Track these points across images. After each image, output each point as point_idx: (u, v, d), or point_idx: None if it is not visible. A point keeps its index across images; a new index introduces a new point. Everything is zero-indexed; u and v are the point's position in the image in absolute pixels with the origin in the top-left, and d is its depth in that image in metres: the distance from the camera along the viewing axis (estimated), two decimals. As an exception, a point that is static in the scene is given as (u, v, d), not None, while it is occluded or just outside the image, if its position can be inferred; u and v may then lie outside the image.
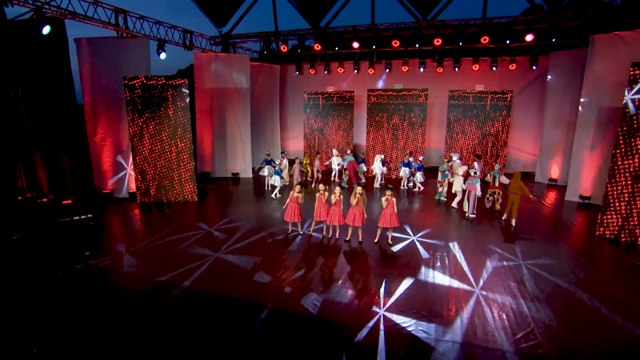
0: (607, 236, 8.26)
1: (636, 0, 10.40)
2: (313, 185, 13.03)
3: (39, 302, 5.61)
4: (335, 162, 13.71)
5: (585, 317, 5.20)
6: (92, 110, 11.32)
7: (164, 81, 10.70)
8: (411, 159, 12.72)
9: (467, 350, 4.49)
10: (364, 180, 13.37)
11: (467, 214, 9.76)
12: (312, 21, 15.22)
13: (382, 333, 4.80)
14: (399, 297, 5.73)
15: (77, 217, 9.27)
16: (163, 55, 12.29)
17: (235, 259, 7.12)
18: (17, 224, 8.42)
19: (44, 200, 10.43)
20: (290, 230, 8.49)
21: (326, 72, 17.41)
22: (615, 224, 8.19)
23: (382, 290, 5.92)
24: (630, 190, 7.97)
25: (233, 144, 15.18)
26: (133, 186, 11.69)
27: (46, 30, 8.55)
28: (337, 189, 7.75)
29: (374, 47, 13.61)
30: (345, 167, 12.94)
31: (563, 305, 5.53)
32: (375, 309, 5.41)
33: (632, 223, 7.97)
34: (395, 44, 13.40)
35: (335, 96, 16.32)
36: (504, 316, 5.20)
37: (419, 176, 12.38)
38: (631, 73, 7.86)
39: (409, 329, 4.90)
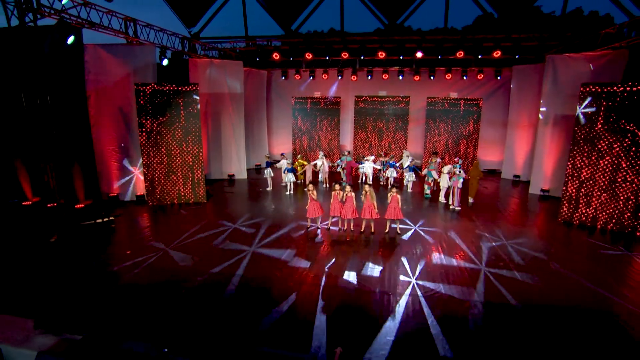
0: (566, 220, 10.20)
1: (572, 16, 12.59)
2: (326, 185, 14.19)
3: (116, 299, 6.21)
4: (320, 164, 14.49)
5: (559, 279, 6.83)
6: (97, 115, 11.50)
7: (175, 87, 11.21)
8: (391, 161, 14.13)
9: (482, 307, 5.88)
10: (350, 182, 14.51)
11: (452, 207, 11.36)
12: (283, 23, 15.71)
13: (411, 298, 6.05)
14: (421, 270, 7.05)
15: (100, 220, 9.64)
16: (165, 62, 12.68)
17: (270, 252, 8.05)
18: (48, 228, 8.66)
19: (54, 204, 10.52)
20: (309, 225, 9.51)
21: (311, 78, 18.39)
22: (572, 211, 10.14)
23: (406, 266, 7.21)
24: (584, 184, 9.92)
25: (228, 146, 15.79)
26: (140, 189, 12.03)
27: (71, 39, 8.80)
28: (348, 188, 8.93)
29: (362, 57, 14.86)
30: (343, 166, 14.07)
31: (540, 270, 7.15)
32: (406, 279, 6.69)
33: (584, 210, 9.94)
34: (382, 55, 14.79)
35: (322, 101, 17.43)
36: (504, 280, 6.69)
37: (410, 175, 13.66)
38: (581, 90, 9.79)
39: (439, 292, 6.22)
